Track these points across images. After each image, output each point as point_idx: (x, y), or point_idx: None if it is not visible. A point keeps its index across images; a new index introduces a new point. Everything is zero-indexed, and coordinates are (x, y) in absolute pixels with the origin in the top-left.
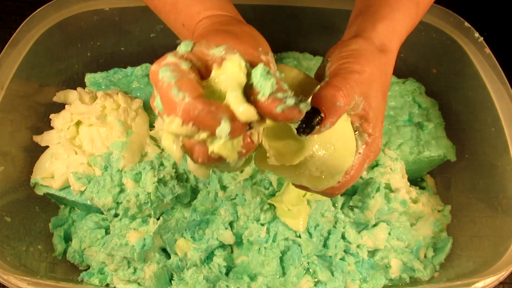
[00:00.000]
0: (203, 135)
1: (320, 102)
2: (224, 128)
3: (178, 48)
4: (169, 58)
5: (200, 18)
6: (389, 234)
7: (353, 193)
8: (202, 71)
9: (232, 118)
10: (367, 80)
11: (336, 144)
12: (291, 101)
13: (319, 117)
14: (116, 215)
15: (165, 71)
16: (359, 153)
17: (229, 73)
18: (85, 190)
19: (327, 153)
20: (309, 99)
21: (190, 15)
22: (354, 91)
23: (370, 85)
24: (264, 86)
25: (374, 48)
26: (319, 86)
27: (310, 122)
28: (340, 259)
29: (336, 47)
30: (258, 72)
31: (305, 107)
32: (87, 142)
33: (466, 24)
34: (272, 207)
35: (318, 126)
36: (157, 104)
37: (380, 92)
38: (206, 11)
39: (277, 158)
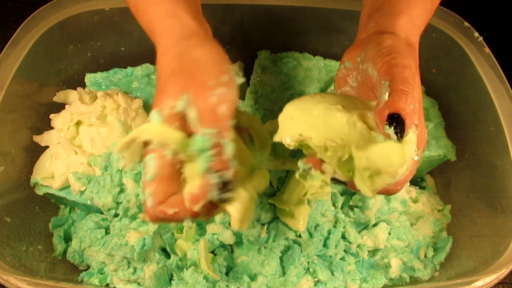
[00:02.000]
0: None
1: (398, 109)
2: (188, 223)
3: (151, 117)
4: (153, 144)
5: (159, 28)
6: (389, 233)
7: (353, 192)
8: (184, 129)
9: (192, 214)
10: (414, 73)
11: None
12: (214, 194)
13: (403, 121)
14: (116, 215)
15: (149, 159)
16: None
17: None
18: (85, 190)
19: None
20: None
21: (150, 22)
22: (414, 88)
23: (416, 77)
24: (200, 160)
25: (403, 43)
26: (387, 93)
27: (402, 127)
28: (340, 258)
29: (363, 45)
30: (195, 146)
31: (227, 199)
32: (87, 142)
33: (466, 24)
34: (272, 207)
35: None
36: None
37: (419, 83)
38: (159, 21)
39: (390, 168)
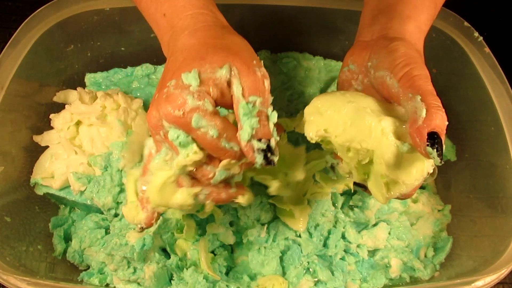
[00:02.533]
0: (236, 169)
1: (437, 127)
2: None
3: (185, 79)
4: (190, 101)
5: (185, 13)
6: (389, 233)
7: (353, 192)
8: (217, 97)
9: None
10: (431, 82)
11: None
12: (260, 158)
13: (441, 140)
14: (116, 215)
15: (198, 120)
16: None
17: None
18: (85, 190)
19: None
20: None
21: (175, 7)
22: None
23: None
24: (244, 125)
25: (414, 48)
26: (424, 109)
27: (441, 146)
28: (340, 258)
29: (372, 49)
30: (241, 111)
31: (272, 161)
32: (87, 142)
33: (466, 23)
34: (272, 207)
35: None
36: (179, 137)
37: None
38: (192, 8)
39: (409, 179)
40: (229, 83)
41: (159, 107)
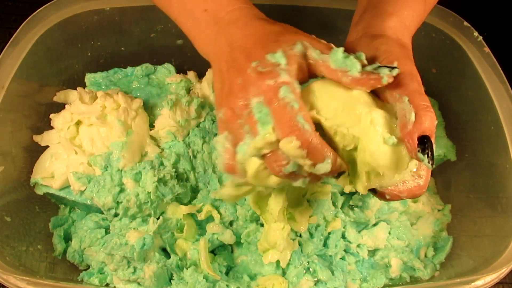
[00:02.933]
0: (307, 162)
1: (427, 130)
2: (325, 167)
3: (272, 58)
4: (283, 75)
5: (231, 7)
6: (389, 233)
7: (353, 192)
8: (298, 73)
9: (334, 160)
10: (418, 77)
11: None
12: (384, 70)
13: (431, 143)
14: (116, 215)
15: (286, 91)
16: None
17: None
18: (85, 190)
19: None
20: (395, 63)
21: (219, 2)
22: (427, 98)
23: (420, 80)
24: (351, 65)
25: (396, 44)
26: (413, 113)
27: (432, 151)
28: (340, 258)
29: (354, 49)
30: (339, 55)
31: (396, 71)
32: (87, 142)
33: (466, 23)
34: None
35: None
36: (260, 114)
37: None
38: (237, 3)
39: (389, 170)
40: (303, 57)
41: (247, 86)
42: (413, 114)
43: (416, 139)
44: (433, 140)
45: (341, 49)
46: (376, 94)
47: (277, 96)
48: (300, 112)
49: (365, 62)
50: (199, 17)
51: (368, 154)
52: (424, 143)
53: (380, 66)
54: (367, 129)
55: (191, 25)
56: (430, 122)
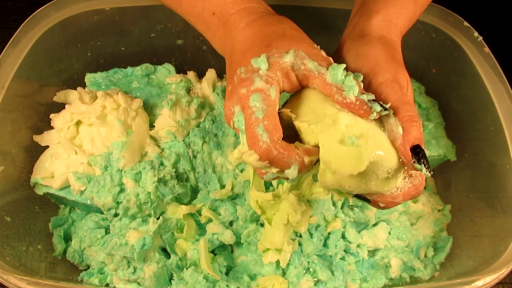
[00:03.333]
0: (273, 170)
1: (416, 140)
2: (292, 173)
3: (254, 63)
4: (257, 82)
5: (236, 9)
6: (389, 233)
7: None
8: (282, 82)
9: (301, 163)
10: (401, 82)
11: (385, 140)
12: (376, 107)
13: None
14: (116, 215)
15: (256, 99)
16: None
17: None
18: (85, 189)
19: (385, 151)
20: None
21: (224, 4)
22: (412, 103)
23: (404, 80)
24: (349, 86)
25: (377, 43)
26: (400, 127)
27: (426, 159)
28: (340, 258)
29: (340, 52)
30: (339, 72)
31: (386, 112)
32: (87, 142)
33: (466, 23)
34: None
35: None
36: (238, 123)
37: (405, 78)
38: (242, 3)
39: (343, 169)
40: (293, 67)
41: (232, 93)
42: (400, 128)
43: (409, 151)
44: (423, 146)
45: (343, 65)
46: None
47: (247, 105)
48: (263, 121)
49: (361, 84)
50: (208, 20)
51: (329, 152)
52: (417, 153)
53: (374, 100)
54: (328, 126)
55: (202, 28)
56: (417, 132)
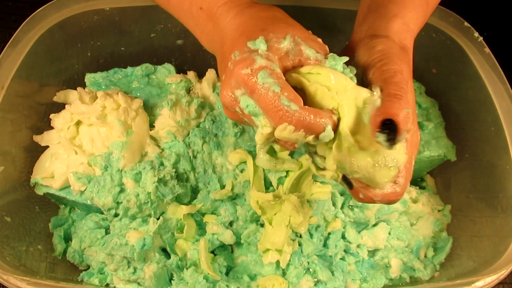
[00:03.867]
0: (309, 138)
1: (391, 114)
2: (328, 134)
3: (252, 45)
4: (259, 60)
5: (223, 1)
6: (389, 233)
7: None
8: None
9: (334, 122)
10: (406, 77)
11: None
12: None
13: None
14: (116, 215)
15: (264, 76)
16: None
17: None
18: (85, 190)
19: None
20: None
21: None
22: (407, 92)
23: (408, 81)
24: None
25: (397, 46)
26: (379, 99)
27: (394, 134)
28: (340, 258)
29: (355, 49)
30: (339, 64)
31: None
32: (87, 142)
33: (466, 24)
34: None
35: (398, 136)
36: (249, 108)
37: (413, 88)
38: None
39: (364, 141)
40: (287, 53)
41: (230, 78)
42: (379, 100)
43: (378, 122)
44: (403, 126)
45: (345, 58)
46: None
47: (257, 84)
48: (283, 93)
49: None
50: (196, 15)
51: (346, 120)
52: (388, 127)
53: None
54: (352, 92)
55: (191, 25)
56: (397, 109)
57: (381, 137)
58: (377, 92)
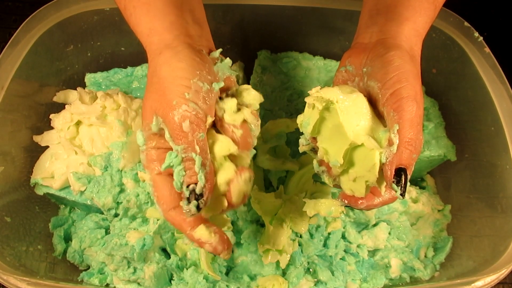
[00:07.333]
0: None
1: (404, 165)
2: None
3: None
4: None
5: (149, 41)
6: (389, 233)
7: None
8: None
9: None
10: (420, 98)
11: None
12: (186, 206)
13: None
14: (116, 215)
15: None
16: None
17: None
18: (85, 190)
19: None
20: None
21: (141, 34)
22: (419, 133)
23: (420, 108)
24: (174, 175)
25: (409, 58)
26: (395, 145)
27: (405, 183)
28: (341, 258)
29: (368, 54)
30: (166, 162)
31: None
32: (87, 142)
33: (466, 23)
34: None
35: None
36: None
37: (422, 104)
38: (153, 35)
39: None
40: (159, 134)
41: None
42: (395, 147)
43: (393, 170)
44: (409, 171)
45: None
46: (375, 104)
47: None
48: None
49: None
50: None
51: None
52: (400, 175)
53: None
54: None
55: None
56: (408, 157)
57: (398, 190)
58: (395, 134)
